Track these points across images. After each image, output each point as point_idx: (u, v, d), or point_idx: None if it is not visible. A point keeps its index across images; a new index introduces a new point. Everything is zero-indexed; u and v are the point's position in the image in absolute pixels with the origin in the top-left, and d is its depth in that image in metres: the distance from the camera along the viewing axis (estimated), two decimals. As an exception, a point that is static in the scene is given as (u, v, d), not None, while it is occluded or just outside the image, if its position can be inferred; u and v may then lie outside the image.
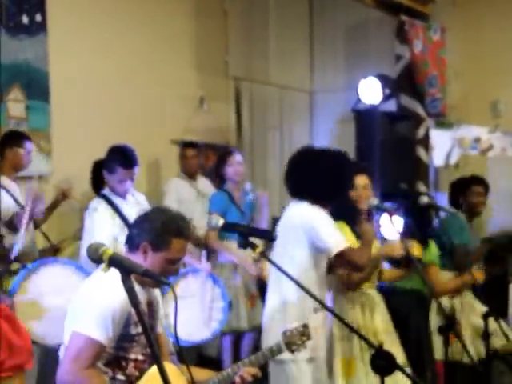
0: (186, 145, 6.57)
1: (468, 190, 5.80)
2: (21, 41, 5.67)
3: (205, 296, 4.91)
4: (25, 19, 5.70)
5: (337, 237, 3.79)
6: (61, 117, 5.90)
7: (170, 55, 7.03)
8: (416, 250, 4.50)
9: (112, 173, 4.55)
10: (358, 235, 4.21)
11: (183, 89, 7.13)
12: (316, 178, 3.83)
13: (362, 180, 4.32)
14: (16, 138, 5.12)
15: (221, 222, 3.34)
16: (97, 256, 2.27)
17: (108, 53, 6.36)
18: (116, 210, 4.58)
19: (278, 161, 8.03)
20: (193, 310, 4.81)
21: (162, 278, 2.51)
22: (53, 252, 5.19)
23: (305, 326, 3.35)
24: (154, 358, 2.23)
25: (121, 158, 4.51)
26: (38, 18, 5.77)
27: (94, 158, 5.79)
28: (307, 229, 3.78)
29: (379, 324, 4.29)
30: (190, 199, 6.30)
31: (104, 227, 4.49)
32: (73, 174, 5.97)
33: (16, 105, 5.59)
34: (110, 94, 6.35)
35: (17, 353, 2.17)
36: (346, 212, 4.22)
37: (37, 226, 5.22)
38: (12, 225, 4.63)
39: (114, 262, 2.25)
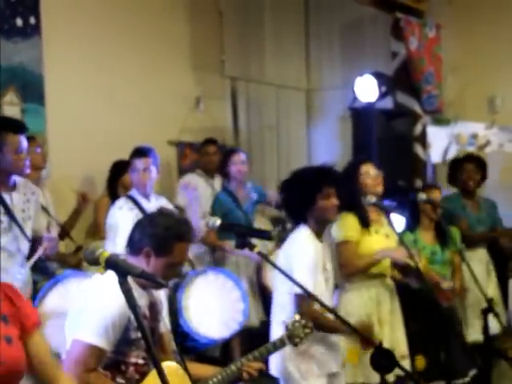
0: (207, 141, 6.62)
1: (460, 167, 5.99)
2: (15, 44, 5.65)
3: (225, 296, 4.96)
4: (19, 22, 5.68)
5: None
6: (57, 119, 5.89)
7: (165, 55, 7.01)
8: (422, 263, 4.52)
9: (132, 166, 4.96)
10: (365, 223, 4.32)
11: (179, 89, 7.12)
12: None
13: (369, 168, 4.48)
14: (28, 140, 5.13)
15: (218, 222, 3.33)
16: (93, 258, 2.25)
17: (103, 55, 6.35)
18: (141, 210, 4.76)
19: (275, 160, 8.02)
20: (213, 307, 4.89)
21: (159, 279, 2.50)
22: (76, 251, 5.30)
23: (305, 318, 3.36)
24: (153, 362, 2.21)
25: (135, 151, 4.97)
26: (32, 20, 5.75)
27: (91, 160, 5.81)
28: None
29: (391, 314, 4.35)
30: (206, 196, 6.30)
31: (126, 226, 4.53)
32: (69, 177, 5.97)
33: (11, 108, 5.57)
34: (106, 96, 6.34)
35: (31, 315, 2.41)
36: (354, 202, 4.31)
37: (66, 234, 5.36)
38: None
39: (111, 264, 2.23)
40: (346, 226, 4.30)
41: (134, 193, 4.96)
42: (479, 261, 5.83)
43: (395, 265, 4.41)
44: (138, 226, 3.05)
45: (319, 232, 3.79)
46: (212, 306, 4.87)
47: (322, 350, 3.70)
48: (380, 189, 4.45)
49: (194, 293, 4.82)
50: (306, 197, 3.75)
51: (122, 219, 4.67)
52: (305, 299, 3.58)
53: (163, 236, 2.92)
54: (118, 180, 5.77)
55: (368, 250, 4.32)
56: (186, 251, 3.01)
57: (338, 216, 3.86)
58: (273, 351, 3.33)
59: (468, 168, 6.04)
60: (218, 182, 6.48)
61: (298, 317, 3.35)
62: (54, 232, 5.10)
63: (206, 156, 6.54)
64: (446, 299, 4.95)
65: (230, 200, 5.70)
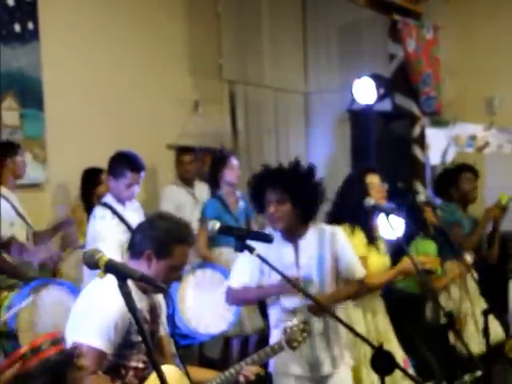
0: (182, 150, 6.53)
1: (459, 178, 5.80)
2: (14, 49, 5.66)
3: (215, 289, 4.92)
4: (17, 27, 5.68)
5: None
6: (55, 124, 5.89)
7: (163, 59, 7.02)
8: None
9: (120, 177, 4.61)
10: (371, 238, 4.23)
11: (178, 93, 7.13)
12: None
13: (376, 177, 4.34)
14: (12, 147, 5.15)
15: (217, 225, 3.33)
16: (93, 262, 2.26)
17: (101, 59, 6.35)
18: (119, 217, 4.64)
19: (274, 163, 7.99)
20: (206, 303, 4.87)
21: (159, 283, 2.50)
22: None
23: (305, 323, 3.35)
24: (154, 366, 2.22)
25: (129, 162, 4.60)
26: (30, 26, 5.75)
27: (90, 165, 5.80)
28: None
29: (381, 328, 4.32)
30: (187, 205, 6.26)
31: (112, 234, 4.53)
32: (68, 182, 5.97)
33: (10, 113, 5.57)
34: (104, 100, 6.34)
35: None
36: (359, 215, 4.18)
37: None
38: (7, 248, 4.57)
39: (110, 268, 2.24)
40: (353, 243, 4.05)
41: (109, 200, 4.72)
42: None
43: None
44: (138, 229, 3.06)
45: (283, 233, 3.67)
46: (205, 301, 4.86)
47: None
48: (383, 202, 4.34)
49: (186, 293, 4.80)
50: (255, 204, 3.71)
51: (106, 229, 4.55)
52: (233, 291, 3.67)
53: (164, 238, 2.94)
54: (92, 190, 5.65)
55: (375, 265, 4.23)
56: (186, 254, 3.01)
57: (282, 224, 3.60)
58: (271, 355, 3.33)
59: (469, 177, 5.82)
60: (198, 189, 6.42)
61: (296, 321, 3.35)
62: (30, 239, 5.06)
63: (182, 165, 6.43)
64: None
65: (220, 206, 5.65)
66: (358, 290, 3.86)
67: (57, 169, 5.88)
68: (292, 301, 3.60)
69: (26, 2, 5.73)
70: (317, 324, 3.67)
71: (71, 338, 2.84)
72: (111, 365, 2.87)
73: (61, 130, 5.91)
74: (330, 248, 3.71)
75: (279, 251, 3.63)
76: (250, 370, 3.16)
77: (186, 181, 6.43)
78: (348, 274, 3.77)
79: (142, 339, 2.25)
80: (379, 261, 4.31)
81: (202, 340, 4.96)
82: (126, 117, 6.50)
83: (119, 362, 2.89)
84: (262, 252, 3.45)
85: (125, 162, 4.61)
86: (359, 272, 3.80)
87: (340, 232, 3.79)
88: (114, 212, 4.65)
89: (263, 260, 3.26)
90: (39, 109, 5.82)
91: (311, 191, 3.66)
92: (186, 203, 6.28)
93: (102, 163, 5.79)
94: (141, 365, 2.94)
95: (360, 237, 4.21)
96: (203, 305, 4.84)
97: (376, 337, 4.26)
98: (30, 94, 5.76)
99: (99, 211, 4.67)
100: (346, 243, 3.77)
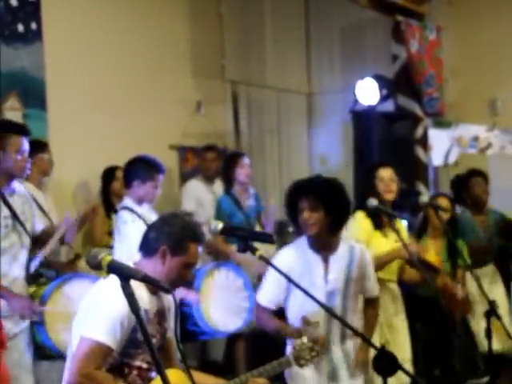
0: (206, 148, 6.65)
1: (469, 182, 5.89)
2: (17, 49, 5.67)
3: (231, 288, 5.14)
4: (20, 27, 5.69)
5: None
6: (58, 124, 5.90)
7: (166, 60, 7.03)
8: (431, 255, 4.53)
9: (149, 180, 4.75)
10: (377, 225, 4.37)
11: (180, 93, 7.13)
12: None
13: (388, 172, 4.47)
14: (40, 145, 5.22)
15: (219, 226, 3.33)
16: (96, 262, 2.26)
17: (104, 59, 6.36)
18: (143, 219, 4.72)
19: (277, 163, 8.02)
20: (224, 302, 5.08)
21: (163, 283, 2.50)
22: (73, 259, 5.27)
23: (314, 342, 3.35)
24: (156, 366, 2.22)
25: (156, 165, 4.80)
26: (34, 26, 5.76)
27: (93, 165, 5.81)
28: None
29: (395, 317, 4.39)
30: (208, 202, 6.35)
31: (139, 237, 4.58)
32: (71, 182, 5.98)
33: (13, 113, 5.58)
34: (108, 101, 6.35)
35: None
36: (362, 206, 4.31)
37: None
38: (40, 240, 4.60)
39: (113, 268, 2.24)
40: (355, 226, 4.27)
41: (129, 202, 4.83)
42: (485, 275, 5.80)
43: (410, 263, 4.44)
44: (152, 227, 3.08)
45: (315, 244, 3.70)
46: (223, 300, 5.07)
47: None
48: (390, 196, 4.43)
49: (207, 293, 5.01)
50: (288, 212, 3.75)
51: (135, 231, 4.55)
52: (263, 310, 3.72)
53: (180, 235, 2.96)
54: (109, 188, 5.79)
55: (376, 252, 4.31)
56: (198, 253, 3.03)
57: (315, 230, 3.61)
58: (278, 369, 3.33)
59: (478, 181, 5.94)
60: (218, 187, 6.49)
61: (305, 339, 3.35)
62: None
63: (204, 162, 6.60)
64: (463, 311, 4.96)
65: (232, 203, 5.75)
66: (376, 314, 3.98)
67: (59, 168, 5.88)
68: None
69: (29, 2, 5.75)
70: (335, 331, 3.70)
71: (78, 333, 2.87)
72: (115, 363, 2.88)
73: (64, 130, 5.92)
74: (358, 265, 3.77)
75: (308, 261, 3.69)
76: (256, 381, 3.15)
77: (208, 178, 6.55)
78: (371, 292, 3.88)
79: (145, 340, 2.25)
80: (385, 246, 4.36)
81: (221, 336, 5.24)
82: (128, 117, 6.50)
83: (123, 360, 2.90)
84: (292, 261, 3.63)
85: (152, 166, 4.79)
86: (377, 288, 3.93)
87: (367, 250, 3.91)
88: (138, 215, 4.76)
89: (268, 263, 3.27)
90: (42, 109, 5.83)
91: (343, 200, 3.71)
92: (207, 200, 6.38)
93: (105, 163, 5.83)
94: (145, 365, 2.94)
95: (362, 220, 4.36)
96: (222, 303, 5.05)
97: (388, 329, 4.34)
98: (33, 94, 5.77)
99: (127, 216, 4.77)
100: (371, 262, 3.89)
